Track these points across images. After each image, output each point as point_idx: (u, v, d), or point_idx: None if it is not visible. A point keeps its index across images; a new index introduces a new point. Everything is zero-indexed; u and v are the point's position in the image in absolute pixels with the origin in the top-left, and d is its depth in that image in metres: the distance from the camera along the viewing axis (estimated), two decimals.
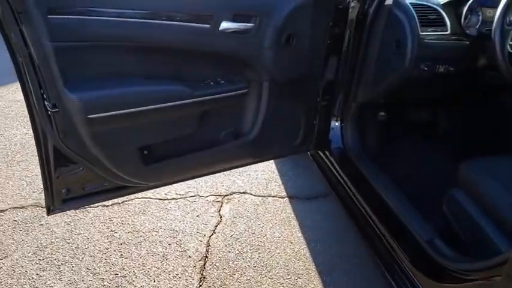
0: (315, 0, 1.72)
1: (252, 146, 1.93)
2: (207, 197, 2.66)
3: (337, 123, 2.26)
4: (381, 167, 2.13)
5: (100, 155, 1.56)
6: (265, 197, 2.67)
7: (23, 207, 2.54)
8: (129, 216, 2.47)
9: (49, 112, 1.43)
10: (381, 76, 1.95)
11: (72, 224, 2.39)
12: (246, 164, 2.08)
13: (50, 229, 2.35)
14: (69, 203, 1.79)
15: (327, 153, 2.35)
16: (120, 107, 1.46)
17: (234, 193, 2.71)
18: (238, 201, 2.63)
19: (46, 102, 1.42)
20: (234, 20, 1.57)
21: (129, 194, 1.97)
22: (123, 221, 2.43)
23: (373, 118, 2.28)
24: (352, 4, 1.95)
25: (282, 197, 2.68)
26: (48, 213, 1.78)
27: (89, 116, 1.42)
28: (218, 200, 2.64)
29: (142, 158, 1.68)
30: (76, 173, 1.71)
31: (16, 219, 2.43)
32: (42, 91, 1.40)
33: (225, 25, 1.55)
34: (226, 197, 2.66)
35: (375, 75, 1.98)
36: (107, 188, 1.84)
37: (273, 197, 2.68)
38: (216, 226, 2.40)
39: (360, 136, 2.24)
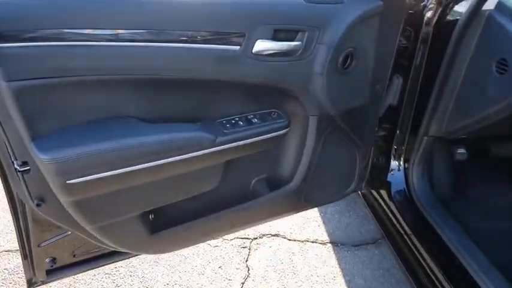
0: (384, 7, 1.24)
1: (292, 197, 1.47)
2: (231, 240, 2.21)
3: (399, 161, 1.77)
4: (455, 217, 1.63)
5: (89, 228, 1.14)
6: (302, 242, 2.21)
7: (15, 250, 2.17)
8: (139, 265, 2.05)
9: (18, 172, 1.02)
10: (471, 107, 1.44)
11: (72, 277, 2.00)
12: (283, 217, 1.62)
13: None
14: (56, 274, 1.39)
15: (382, 193, 1.86)
16: (110, 166, 1.02)
17: (264, 235, 2.25)
18: (270, 247, 2.17)
19: (14, 160, 1.01)
20: (273, 38, 1.11)
21: (133, 257, 1.55)
22: (131, 272, 2.01)
23: (449, 156, 1.77)
24: (429, 9, 1.45)
25: (324, 243, 2.20)
26: (30, 287, 1.38)
27: (68, 182, 1.00)
28: (245, 245, 2.18)
29: (146, 225, 1.24)
30: (62, 239, 1.30)
31: (7, 267, 2.06)
32: (7, 146, 0.99)
33: (261, 45, 1.10)
34: (254, 241, 2.21)
35: (460, 104, 1.48)
36: (103, 253, 1.42)
37: (313, 242, 2.20)
38: (243, 284, 1.95)
39: (429, 177, 1.74)
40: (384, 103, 1.65)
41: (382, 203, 1.87)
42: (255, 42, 1.09)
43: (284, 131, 1.29)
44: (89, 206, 1.08)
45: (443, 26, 1.44)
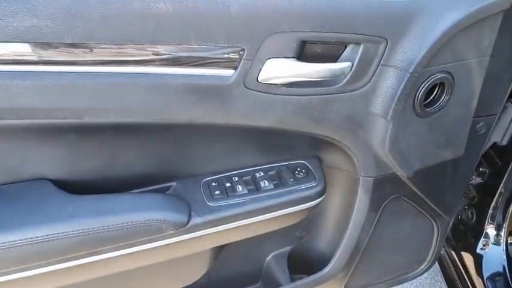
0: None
1: (330, 285, 0.98)
2: None
3: (499, 231, 1.19)
4: None
5: None
6: None
7: None
8: None
9: None
10: None
11: None
12: None
13: None
14: None
15: (465, 260, 1.31)
16: (13, 263, 0.62)
17: None
18: None
19: None
20: (298, 57, 0.62)
21: None
22: None
23: None
24: None
25: None
26: None
27: None
28: None
29: None
30: None
31: None
32: None
33: (274, 69, 0.62)
34: None
35: None
36: None
37: None
38: None
39: None
40: (488, 141, 1.08)
41: (465, 277, 1.31)
42: (263, 64, 0.60)
43: (316, 201, 0.80)
44: None
45: None
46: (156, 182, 0.75)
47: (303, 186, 0.78)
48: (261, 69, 0.61)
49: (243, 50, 0.59)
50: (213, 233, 0.71)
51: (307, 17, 0.60)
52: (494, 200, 1.18)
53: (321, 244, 0.97)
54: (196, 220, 0.69)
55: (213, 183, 0.75)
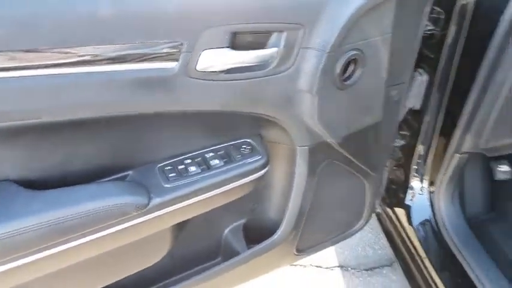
0: None
1: (280, 250, 1.09)
2: None
3: (422, 182, 1.38)
4: (491, 251, 1.26)
5: None
6: (304, 266, 1.85)
7: None
8: None
9: None
10: None
11: None
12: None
13: None
14: None
15: (399, 215, 1.49)
16: None
17: None
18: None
19: None
20: (231, 46, 0.72)
21: None
22: None
23: (487, 175, 1.36)
24: None
25: (330, 268, 1.84)
26: None
27: None
28: None
29: None
30: None
31: None
32: None
33: (210, 58, 0.71)
34: None
35: (508, 117, 1.07)
36: None
37: (316, 266, 1.85)
38: None
39: (460, 199, 1.35)
40: (404, 107, 1.25)
41: (400, 228, 1.50)
42: (200, 55, 0.69)
43: (261, 172, 0.91)
44: None
45: (489, 4, 1.01)
46: (113, 173, 0.81)
47: (249, 160, 0.88)
48: (198, 60, 0.70)
49: (181, 44, 0.67)
50: (172, 211, 0.79)
51: (235, 11, 0.70)
52: (415, 157, 1.36)
53: (271, 213, 1.09)
54: (155, 201, 0.77)
55: (167, 167, 0.83)
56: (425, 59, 1.18)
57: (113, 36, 0.61)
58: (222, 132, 0.90)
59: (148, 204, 0.75)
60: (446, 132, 1.23)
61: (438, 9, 1.08)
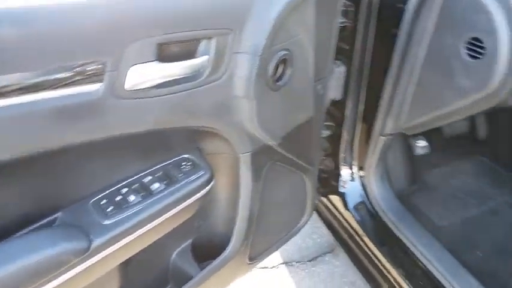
0: None
1: (233, 264, 1.05)
2: None
3: (351, 168, 1.44)
4: (421, 220, 1.37)
5: None
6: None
7: None
8: None
9: None
10: (437, 98, 1.12)
11: None
12: None
13: None
14: None
15: (335, 202, 1.55)
16: None
17: None
18: None
19: None
20: (159, 59, 0.65)
21: None
22: None
23: (407, 151, 1.47)
24: None
25: (275, 266, 1.85)
26: None
27: None
28: None
29: None
30: None
31: None
32: None
33: (137, 75, 0.64)
34: None
35: (423, 96, 1.15)
36: None
37: (262, 268, 1.84)
38: None
39: (388, 178, 1.44)
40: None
41: (337, 214, 1.55)
42: (126, 72, 0.62)
43: (207, 188, 0.85)
44: None
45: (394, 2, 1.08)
46: (37, 219, 0.70)
47: (192, 177, 0.82)
48: (125, 78, 0.62)
49: (104, 62, 0.59)
50: (118, 249, 0.71)
51: (158, 21, 0.64)
52: (342, 145, 1.42)
53: (219, 226, 1.04)
54: (97, 242, 0.67)
55: (103, 201, 0.73)
56: (341, 50, 1.22)
57: (23, 63, 0.51)
58: (157, 151, 0.83)
59: (89, 247, 0.66)
60: (369, 118, 1.30)
61: (347, 2, 1.12)
